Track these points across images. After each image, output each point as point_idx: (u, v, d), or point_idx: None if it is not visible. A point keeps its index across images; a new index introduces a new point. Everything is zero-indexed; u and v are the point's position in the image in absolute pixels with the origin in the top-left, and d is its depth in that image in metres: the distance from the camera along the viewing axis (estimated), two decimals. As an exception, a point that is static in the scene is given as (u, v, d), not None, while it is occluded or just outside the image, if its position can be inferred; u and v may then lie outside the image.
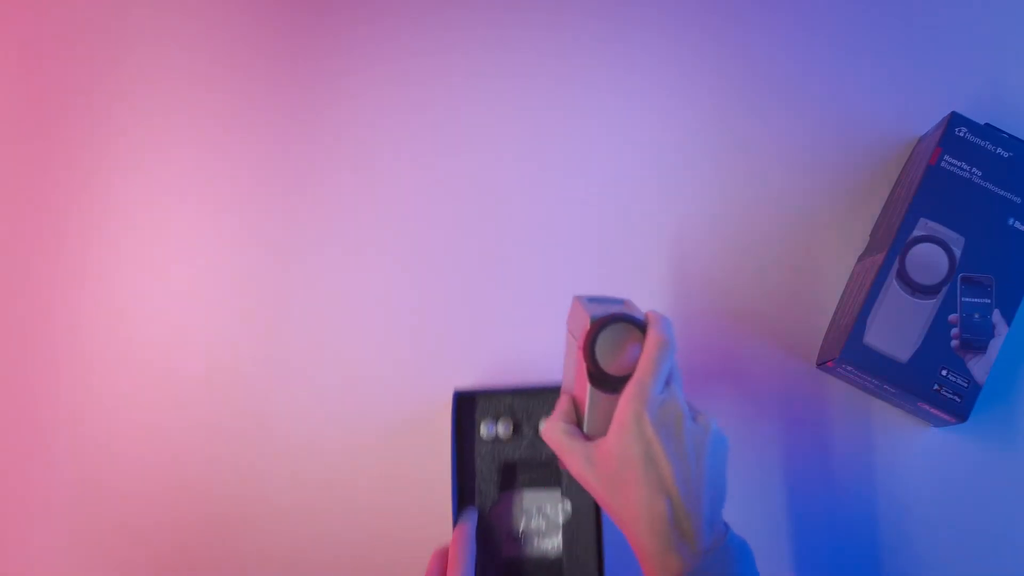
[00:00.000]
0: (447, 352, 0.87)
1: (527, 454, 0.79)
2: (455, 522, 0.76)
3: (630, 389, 0.63)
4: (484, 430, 0.79)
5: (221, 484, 0.86)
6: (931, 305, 0.80)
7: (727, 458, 0.65)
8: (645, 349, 0.64)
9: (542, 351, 0.86)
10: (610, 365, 0.66)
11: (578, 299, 0.71)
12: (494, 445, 0.79)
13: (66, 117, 0.90)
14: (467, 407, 0.81)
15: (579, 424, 0.68)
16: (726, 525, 0.64)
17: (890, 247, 0.81)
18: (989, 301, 0.80)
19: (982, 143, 0.82)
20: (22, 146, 0.90)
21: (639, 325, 0.67)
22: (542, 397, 0.80)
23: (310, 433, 0.86)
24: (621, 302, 0.71)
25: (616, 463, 0.62)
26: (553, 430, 0.67)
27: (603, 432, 0.66)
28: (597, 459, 0.63)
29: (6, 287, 0.89)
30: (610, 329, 0.66)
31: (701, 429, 0.64)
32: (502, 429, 0.78)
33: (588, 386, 0.67)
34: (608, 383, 0.66)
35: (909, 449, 0.85)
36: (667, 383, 0.66)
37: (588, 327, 0.66)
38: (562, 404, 0.69)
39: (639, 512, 0.61)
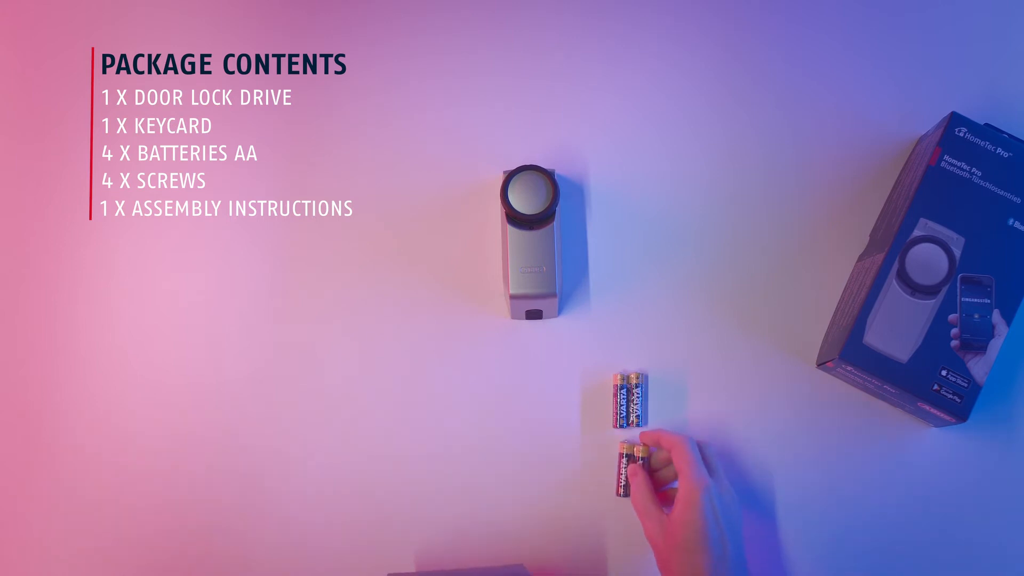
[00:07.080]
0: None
1: None
2: None
3: (693, 476, 0.78)
4: None
5: (217, 495, 0.86)
6: (931, 305, 0.80)
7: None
8: (678, 457, 0.79)
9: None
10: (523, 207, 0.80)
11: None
12: None
13: (64, 119, 0.90)
14: None
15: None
16: None
17: (890, 247, 0.81)
18: (989, 301, 0.80)
19: (982, 143, 0.82)
20: (22, 147, 0.90)
21: (543, 171, 0.80)
22: None
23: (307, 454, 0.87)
24: None
25: (683, 531, 0.76)
26: (643, 499, 0.81)
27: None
28: (668, 527, 0.78)
29: (5, 292, 0.89)
30: (520, 176, 0.80)
31: (736, 501, 0.79)
32: None
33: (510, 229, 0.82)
34: (524, 222, 0.81)
35: (909, 449, 0.85)
36: (714, 469, 0.81)
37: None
38: (646, 484, 0.82)
39: (690, 569, 0.75)
